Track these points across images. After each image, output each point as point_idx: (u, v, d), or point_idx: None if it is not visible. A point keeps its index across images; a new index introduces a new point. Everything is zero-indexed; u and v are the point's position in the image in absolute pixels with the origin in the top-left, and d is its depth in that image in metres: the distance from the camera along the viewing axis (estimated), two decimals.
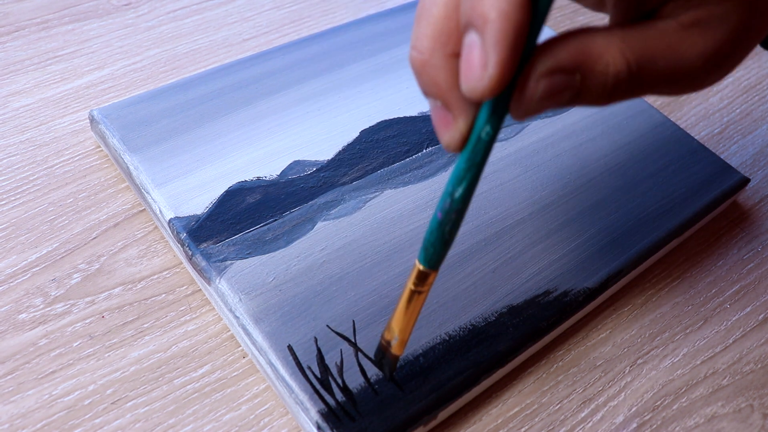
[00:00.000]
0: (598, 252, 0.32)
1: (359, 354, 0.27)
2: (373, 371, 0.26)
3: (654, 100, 0.42)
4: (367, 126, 0.35)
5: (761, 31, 0.20)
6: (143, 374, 0.27)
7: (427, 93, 0.20)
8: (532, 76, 0.18)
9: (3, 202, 0.32)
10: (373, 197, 0.32)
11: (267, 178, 0.32)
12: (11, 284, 0.29)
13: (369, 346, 0.27)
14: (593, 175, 0.35)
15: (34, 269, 0.30)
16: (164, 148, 0.32)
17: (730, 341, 0.32)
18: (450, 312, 0.29)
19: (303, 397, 0.25)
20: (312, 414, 0.25)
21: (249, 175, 0.32)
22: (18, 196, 0.32)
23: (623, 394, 0.29)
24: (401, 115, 0.36)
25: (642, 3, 0.20)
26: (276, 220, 0.31)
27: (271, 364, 0.26)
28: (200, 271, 0.29)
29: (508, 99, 0.18)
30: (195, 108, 0.34)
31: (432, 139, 0.35)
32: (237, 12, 0.44)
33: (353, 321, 0.28)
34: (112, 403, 0.26)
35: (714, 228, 0.36)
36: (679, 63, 0.19)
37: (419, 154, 0.34)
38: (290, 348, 0.27)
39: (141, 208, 0.33)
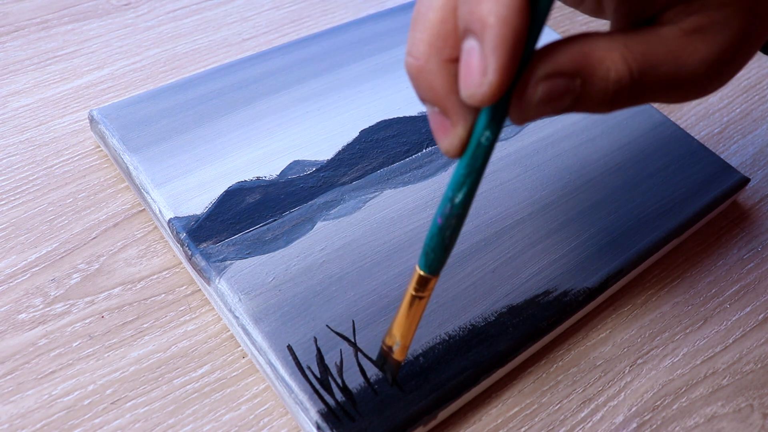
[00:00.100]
0: (598, 252, 0.32)
1: (359, 354, 0.27)
2: (372, 371, 0.26)
3: None
4: (366, 126, 0.35)
5: (762, 36, 0.20)
6: (143, 374, 0.27)
7: (424, 99, 0.19)
8: (531, 80, 0.18)
9: (3, 202, 0.32)
10: (373, 197, 0.32)
11: (267, 178, 0.32)
12: (11, 284, 0.29)
13: (369, 346, 0.27)
14: (593, 175, 0.35)
15: (33, 269, 0.30)
16: (164, 148, 0.32)
17: (730, 341, 0.32)
18: (450, 312, 0.29)
19: (303, 397, 0.25)
20: (312, 414, 0.25)
21: (249, 175, 0.32)
22: (18, 196, 0.32)
23: (623, 394, 0.29)
24: (401, 115, 0.36)
25: (643, 10, 0.20)
26: (275, 220, 0.30)
27: (270, 364, 0.26)
28: (200, 271, 0.29)
29: (507, 103, 0.18)
30: (195, 108, 0.34)
31: (432, 139, 0.35)
32: (236, 12, 0.44)
33: (353, 321, 0.28)
34: (111, 403, 0.26)
35: (714, 228, 0.36)
36: (682, 69, 0.19)
37: (419, 153, 0.34)
38: (290, 348, 0.27)
39: (141, 208, 0.33)
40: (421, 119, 0.36)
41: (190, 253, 0.29)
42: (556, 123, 0.37)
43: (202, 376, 0.28)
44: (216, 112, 0.34)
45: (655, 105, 0.42)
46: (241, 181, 0.32)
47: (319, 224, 0.31)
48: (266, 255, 0.29)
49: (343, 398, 0.26)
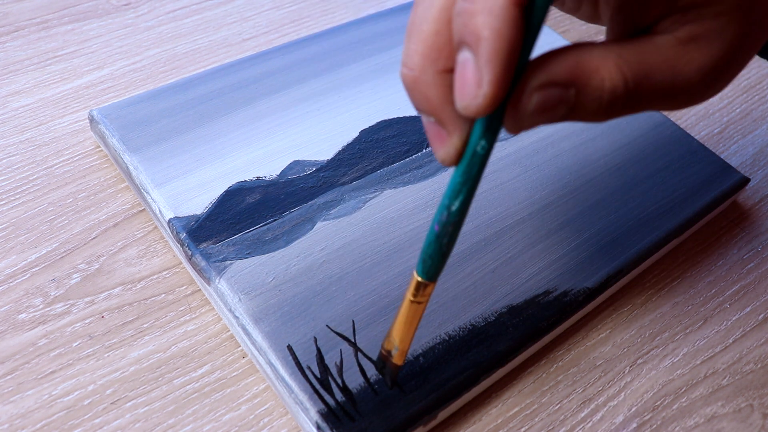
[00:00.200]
0: (598, 252, 0.32)
1: (359, 354, 0.27)
2: (372, 371, 0.26)
3: None
4: (366, 126, 0.35)
5: (757, 43, 0.21)
6: (143, 374, 0.27)
7: (420, 109, 0.19)
8: (525, 90, 0.18)
9: (3, 202, 0.32)
10: (373, 197, 0.32)
11: (267, 178, 0.32)
12: (11, 284, 0.29)
13: (369, 346, 0.27)
14: (593, 175, 0.35)
15: (33, 269, 0.30)
16: (164, 148, 0.32)
17: (730, 341, 0.32)
18: (450, 312, 0.29)
19: (303, 397, 0.25)
20: (312, 414, 0.25)
21: (249, 175, 0.32)
22: (18, 196, 0.32)
23: (623, 394, 0.29)
24: (401, 115, 0.36)
25: (638, 19, 0.20)
26: (276, 220, 0.30)
27: (270, 364, 0.26)
28: (200, 271, 0.29)
29: (502, 113, 0.18)
30: (195, 108, 0.34)
31: None
32: (237, 12, 0.44)
33: (353, 321, 0.28)
34: (111, 403, 0.26)
35: (714, 228, 0.36)
36: (677, 78, 0.19)
37: (419, 153, 0.34)
38: (290, 348, 0.27)
39: (141, 208, 0.33)
40: (421, 119, 0.36)
41: (190, 253, 0.29)
42: (556, 123, 0.37)
43: (202, 376, 0.28)
44: (216, 112, 0.35)
45: None
46: (241, 181, 0.32)
47: (319, 224, 0.31)
48: (266, 255, 0.29)
49: (343, 398, 0.26)
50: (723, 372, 0.31)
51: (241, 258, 0.29)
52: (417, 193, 0.33)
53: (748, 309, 0.33)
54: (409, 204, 0.32)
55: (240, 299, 0.28)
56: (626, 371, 0.30)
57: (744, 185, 0.36)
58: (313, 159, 0.33)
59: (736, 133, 0.41)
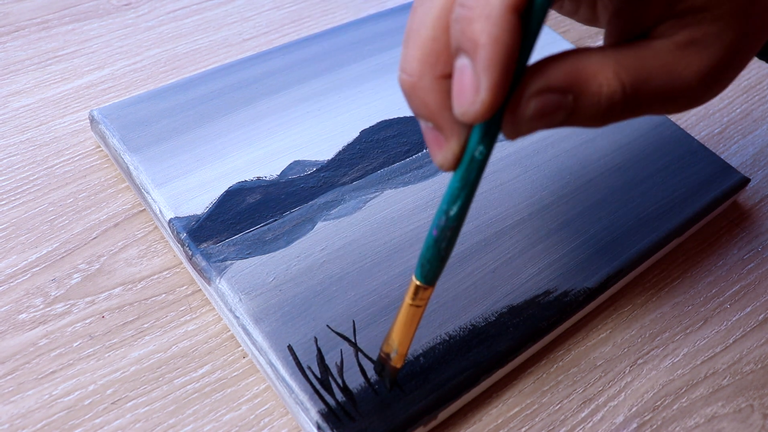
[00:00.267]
0: (598, 252, 0.32)
1: (359, 354, 0.27)
2: (373, 371, 0.26)
3: None
4: (367, 126, 0.35)
5: (754, 47, 0.21)
6: (143, 374, 0.27)
7: (418, 115, 0.19)
8: (523, 96, 0.18)
9: (3, 202, 0.32)
10: (373, 197, 0.32)
11: (267, 178, 0.32)
12: (11, 284, 0.29)
13: (369, 346, 0.27)
14: (593, 175, 0.35)
15: (34, 269, 0.30)
16: (164, 148, 0.32)
17: (731, 341, 0.32)
18: (450, 312, 0.29)
19: (303, 397, 0.25)
20: (312, 414, 0.25)
21: (249, 175, 0.32)
22: (18, 196, 0.32)
23: (623, 394, 0.29)
24: (401, 115, 0.36)
25: (636, 23, 0.20)
26: (276, 220, 0.31)
27: (271, 364, 0.26)
28: (200, 271, 0.29)
29: (500, 119, 0.18)
30: (195, 108, 0.34)
31: None
32: (237, 12, 0.44)
33: (353, 321, 0.28)
34: (112, 403, 0.26)
35: (714, 228, 0.36)
36: (676, 82, 0.19)
37: (419, 154, 0.34)
38: (290, 348, 0.27)
39: (141, 208, 0.33)
40: (419, 124, 0.36)
41: (190, 253, 0.29)
42: (555, 129, 0.37)
43: (203, 376, 0.28)
44: (216, 112, 0.35)
45: None
46: (242, 181, 0.32)
47: (320, 224, 0.31)
48: (267, 255, 0.29)
49: (344, 398, 0.26)
50: (723, 372, 0.31)
51: (241, 258, 0.29)
52: (417, 193, 0.33)
53: (748, 309, 0.33)
54: (410, 204, 0.32)
55: (240, 299, 0.28)
56: (626, 371, 0.30)
57: (744, 185, 0.36)
58: (314, 159, 0.33)
59: (736, 134, 0.41)
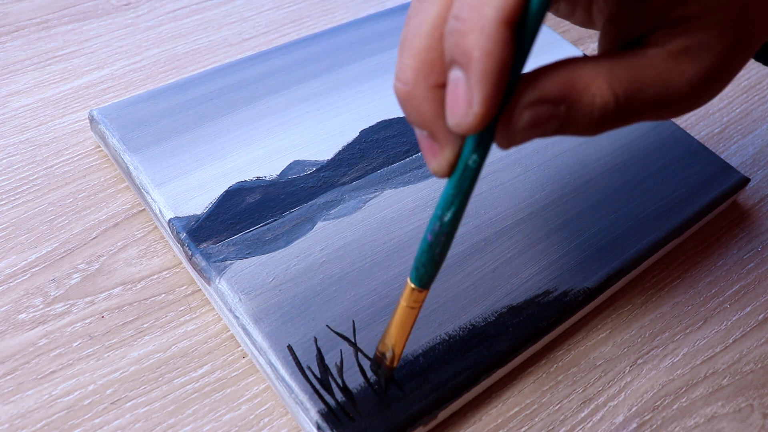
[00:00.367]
0: (598, 252, 0.32)
1: (359, 354, 0.27)
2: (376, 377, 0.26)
3: None
4: (366, 126, 0.35)
5: (747, 55, 0.21)
6: (143, 374, 0.27)
7: (413, 123, 0.20)
8: (517, 108, 0.18)
9: (3, 202, 0.32)
10: (373, 197, 0.32)
11: (267, 178, 0.32)
12: (11, 284, 0.29)
13: (369, 346, 0.27)
14: (593, 175, 0.35)
15: (33, 269, 0.30)
16: (164, 148, 0.32)
17: (730, 341, 0.32)
18: (450, 312, 0.29)
19: (303, 397, 0.25)
20: (312, 414, 0.25)
21: (249, 175, 0.32)
22: (18, 196, 0.32)
23: (623, 394, 0.29)
24: (401, 115, 0.36)
25: (630, 30, 0.20)
26: (276, 220, 0.30)
27: (270, 364, 0.26)
28: (200, 271, 0.29)
29: (494, 129, 0.19)
30: (195, 108, 0.34)
31: None
32: (237, 12, 0.44)
33: (353, 321, 0.28)
34: (111, 403, 0.26)
35: (714, 228, 0.36)
36: (668, 91, 0.20)
37: (419, 154, 0.34)
38: (290, 348, 0.27)
39: (141, 208, 0.33)
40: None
41: (190, 253, 0.29)
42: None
43: (202, 376, 0.28)
44: (216, 112, 0.35)
45: None
46: (241, 181, 0.32)
47: (320, 224, 0.31)
48: (266, 255, 0.29)
49: (343, 398, 0.26)
50: (723, 372, 0.31)
51: (241, 258, 0.29)
52: (417, 193, 0.33)
53: (748, 309, 0.33)
54: (409, 204, 0.32)
55: (240, 299, 0.28)
56: (626, 371, 0.30)
57: (744, 185, 0.36)
58: (313, 159, 0.33)
59: (736, 133, 0.41)
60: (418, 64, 0.19)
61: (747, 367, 0.31)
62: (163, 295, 0.30)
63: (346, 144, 0.34)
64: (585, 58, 0.19)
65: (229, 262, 0.29)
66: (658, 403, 0.29)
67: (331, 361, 0.26)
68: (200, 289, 0.30)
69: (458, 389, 0.27)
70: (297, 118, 0.35)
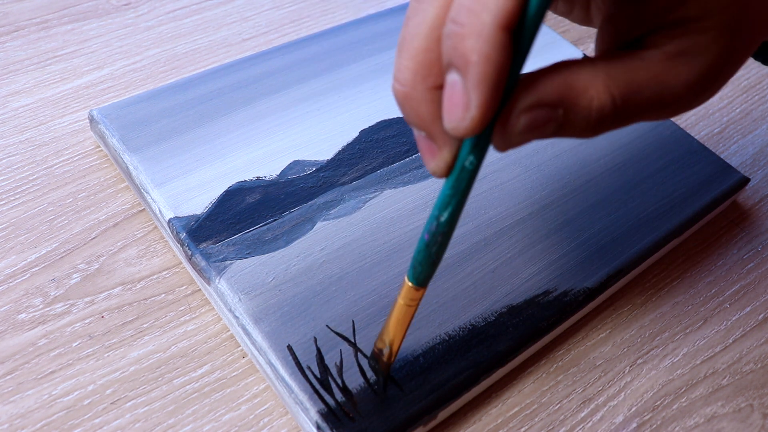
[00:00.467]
0: (598, 252, 0.32)
1: (359, 354, 0.27)
2: (373, 372, 0.26)
3: None
4: (366, 126, 0.35)
5: (744, 56, 0.21)
6: (143, 374, 0.27)
7: (411, 124, 0.20)
8: (514, 111, 0.18)
9: (2, 202, 0.32)
10: (373, 197, 0.32)
11: (267, 178, 0.32)
12: (10, 284, 0.29)
13: (369, 346, 0.27)
14: (593, 175, 0.35)
15: (33, 269, 0.30)
16: (164, 148, 0.32)
17: (730, 341, 0.32)
18: (450, 312, 0.29)
19: (303, 397, 0.25)
20: (312, 414, 0.25)
21: (249, 175, 0.32)
22: (17, 196, 0.32)
23: (623, 393, 0.29)
24: (401, 115, 0.36)
25: (627, 31, 0.20)
26: (275, 220, 0.30)
27: (270, 364, 0.26)
28: (200, 271, 0.29)
29: (491, 131, 0.19)
30: (195, 108, 0.34)
31: None
32: (236, 12, 0.44)
33: (353, 321, 0.28)
34: (111, 403, 0.26)
35: (714, 228, 0.36)
36: (665, 92, 0.20)
37: (419, 154, 0.34)
38: (290, 348, 0.27)
39: (140, 208, 0.33)
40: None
41: (190, 253, 0.29)
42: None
43: (202, 376, 0.28)
44: (216, 112, 0.35)
45: None
46: (241, 181, 0.32)
47: (319, 224, 0.31)
48: (266, 255, 0.29)
49: (343, 398, 0.26)
50: (723, 372, 0.31)
51: (241, 258, 0.29)
52: (417, 193, 0.33)
53: (748, 309, 0.33)
54: (409, 204, 0.32)
55: (240, 299, 0.28)
56: (626, 371, 0.30)
57: (744, 185, 0.36)
58: (313, 159, 0.33)
59: (736, 133, 0.41)
60: (416, 66, 0.19)
61: (747, 367, 0.31)
62: (163, 295, 0.30)
63: (346, 144, 0.34)
64: (582, 61, 0.19)
65: (229, 262, 0.29)
66: (658, 403, 0.29)
67: (331, 361, 0.26)
68: (200, 289, 0.30)
69: (458, 389, 0.27)
70: (297, 118, 0.35)
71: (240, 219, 0.30)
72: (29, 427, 0.25)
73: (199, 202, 0.31)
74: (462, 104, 0.17)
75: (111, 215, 0.32)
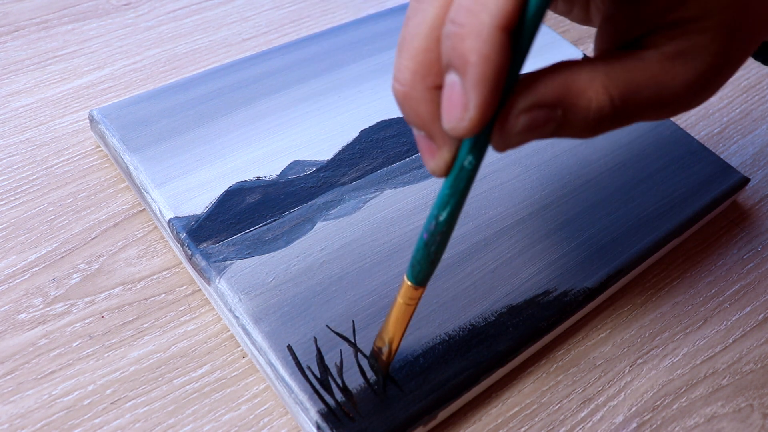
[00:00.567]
0: (598, 252, 0.32)
1: (359, 354, 0.27)
2: (373, 372, 0.26)
3: None
4: (366, 126, 0.35)
5: (743, 56, 0.21)
6: (143, 374, 0.27)
7: (411, 123, 0.20)
8: (512, 111, 0.18)
9: (3, 202, 0.32)
10: (373, 197, 0.32)
11: (267, 178, 0.32)
12: (11, 284, 0.29)
13: (369, 347, 0.27)
14: (593, 175, 0.35)
15: (33, 269, 0.30)
16: (164, 148, 0.32)
17: (730, 341, 0.32)
18: (450, 312, 0.29)
19: (303, 397, 0.25)
20: (312, 414, 0.25)
21: (249, 175, 0.32)
22: (18, 196, 0.32)
23: (623, 393, 0.29)
24: (401, 115, 0.36)
25: (626, 31, 0.21)
26: (276, 220, 0.30)
27: (270, 364, 0.26)
28: (200, 271, 0.29)
29: (490, 131, 0.19)
30: (195, 108, 0.34)
31: None
32: (236, 12, 0.44)
33: (353, 321, 0.28)
34: (111, 403, 0.26)
35: (714, 228, 0.36)
36: (664, 92, 0.20)
37: (419, 153, 0.34)
38: (290, 348, 0.27)
39: (141, 208, 0.33)
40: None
41: (190, 253, 0.29)
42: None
43: (202, 376, 0.28)
44: (216, 112, 0.35)
45: None
46: (241, 181, 0.32)
47: (319, 224, 0.31)
48: (266, 255, 0.29)
49: (343, 398, 0.26)
50: (723, 372, 0.31)
51: (241, 258, 0.29)
52: (417, 193, 0.33)
53: (748, 309, 0.33)
54: (409, 204, 0.32)
55: (240, 299, 0.28)
56: (626, 371, 0.30)
57: (744, 185, 0.36)
58: (313, 159, 0.33)
59: (736, 133, 0.41)
60: (416, 65, 0.19)
61: (747, 367, 0.31)
62: (163, 295, 0.30)
63: (346, 144, 0.34)
64: (581, 61, 0.19)
65: (229, 262, 0.29)
66: (658, 403, 0.29)
67: (331, 361, 0.26)
68: (200, 289, 0.30)
69: (458, 389, 0.27)
70: (297, 118, 0.35)
71: (240, 219, 0.30)
72: (29, 427, 0.25)
73: (199, 202, 0.31)
74: (461, 104, 0.17)
75: (111, 215, 0.32)
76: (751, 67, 0.46)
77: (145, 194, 0.31)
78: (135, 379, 0.27)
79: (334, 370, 0.26)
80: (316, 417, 0.25)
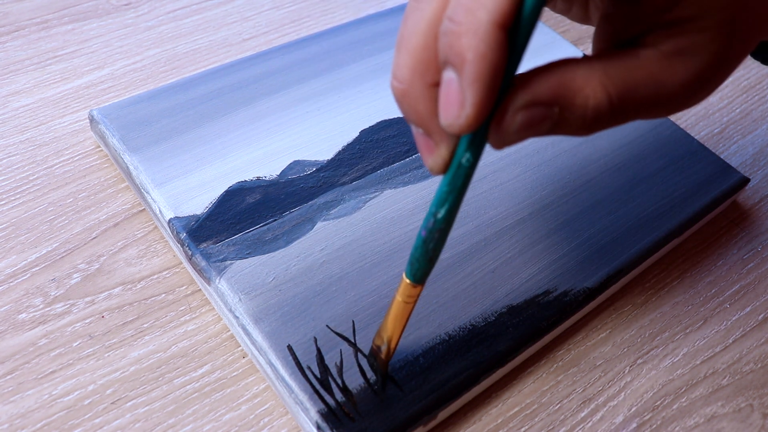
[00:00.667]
0: (598, 252, 0.32)
1: (359, 354, 0.27)
2: (373, 372, 0.26)
3: None
4: (366, 126, 0.35)
5: (740, 56, 0.21)
6: (143, 374, 0.27)
7: (409, 120, 0.20)
8: (509, 109, 0.18)
9: (3, 202, 0.32)
10: (373, 197, 0.32)
11: (267, 178, 0.32)
12: (11, 284, 0.29)
13: (368, 346, 0.27)
14: (593, 175, 0.35)
15: (33, 269, 0.30)
16: (164, 148, 0.32)
17: (730, 341, 0.32)
18: (450, 312, 0.29)
19: (303, 397, 0.25)
20: (312, 414, 0.25)
21: (249, 175, 0.32)
22: (18, 196, 0.32)
23: (623, 393, 0.29)
24: (401, 115, 0.36)
25: (625, 30, 0.21)
26: (276, 220, 0.30)
27: (270, 364, 0.26)
28: (200, 271, 0.29)
29: (487, 129, 0.19)
30: (195, 108, 0.34)
31: None
32: (237, 12, 0.44)
33: (353, 321, 0.28)
34: (111, 403, 0.26)
35: (714, 228, 0.36)
36: (661, 91, 0.20)
37: (419, 154, 0.34)
38: (290, 348, 0.27)
39: (141, 208, 0.33)
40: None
41: (190, 253, 0.29)
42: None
43: (203, 376, 0.28)
44: (216, 112, 0.35)
45: None
46: (242, 181, 0.32)
47: (319, 224, 0.31)
48: (266, 255, 0.29)
49: (343, 398, 0.26)
50: (723, 372, 0.31)
51: (241, 258, 0.29)
52: (417, 193, 0.33)
53: (748, 309, 0.33)
54: (410, 204, 0.32)
55: (240, 299, 0.28)
56: (626, 371, 0.30)
57: (744, 185, 0.36)
58: (313, 159, 0.33)
59: (736, 133, 0.41)
60: (414, 63, 0.19)
61: (747, 367, 0.31)
62: (163, 295, 0.30)
63: (346, 144, 0.34)
64: (578, 60, 0.19)
65: (229, 262, 0.29)
66: (658, 403, 0.29)
67: (331, 361, 0.27)
68: (200, 289, 0.30)
69: (458, 389, 0.27)
70: (297, 118, 0.35)
71: (240, 219, 0.30)
72: (29, 427, 0.25)
73: (199, 202, 0.31)
74: (458, 102, 0.17)
75: (111, 215, 0.32)
76: (751, 67, 0.46)
77: (145, 194, 0.31)
78: (135, 379, 0.27)
79: (334, 370, 0.26)
80: (316, 417, 0.25)
